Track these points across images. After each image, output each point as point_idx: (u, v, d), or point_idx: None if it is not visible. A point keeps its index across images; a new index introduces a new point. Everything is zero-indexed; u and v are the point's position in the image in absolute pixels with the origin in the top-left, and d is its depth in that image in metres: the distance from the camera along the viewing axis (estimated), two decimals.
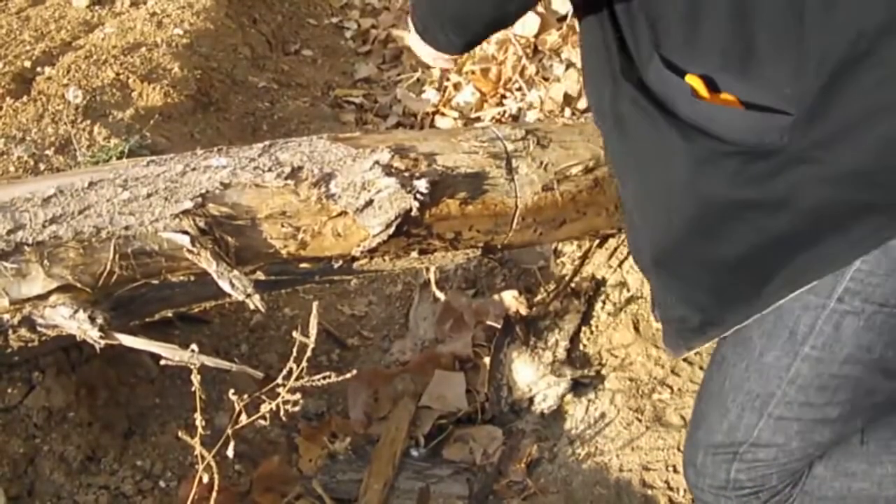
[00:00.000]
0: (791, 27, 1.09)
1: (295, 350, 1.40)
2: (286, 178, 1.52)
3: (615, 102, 1.32)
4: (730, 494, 1.37)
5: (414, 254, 1.67)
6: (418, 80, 3.60)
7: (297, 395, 1.42)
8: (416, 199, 1.53)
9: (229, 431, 1.42)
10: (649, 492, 1.75)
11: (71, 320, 1.45)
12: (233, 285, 1.45)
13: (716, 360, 1.40)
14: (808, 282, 1.20)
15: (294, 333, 1.40)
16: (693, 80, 1.19)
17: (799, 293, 1.22)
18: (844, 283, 1.20)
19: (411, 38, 1.55)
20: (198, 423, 1.41)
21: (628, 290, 2.15)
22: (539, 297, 2.23)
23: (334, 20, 4.20)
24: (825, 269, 1.19)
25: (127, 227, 1.44)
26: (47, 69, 2.74)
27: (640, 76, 1.27)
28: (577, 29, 1.39)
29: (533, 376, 2.02)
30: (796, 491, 1.36)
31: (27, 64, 2.78)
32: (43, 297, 1.43)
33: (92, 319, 1.45)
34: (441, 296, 2.29)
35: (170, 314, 1.79)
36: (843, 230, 1.14)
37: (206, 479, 1.44)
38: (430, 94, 3.47)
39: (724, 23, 1.14)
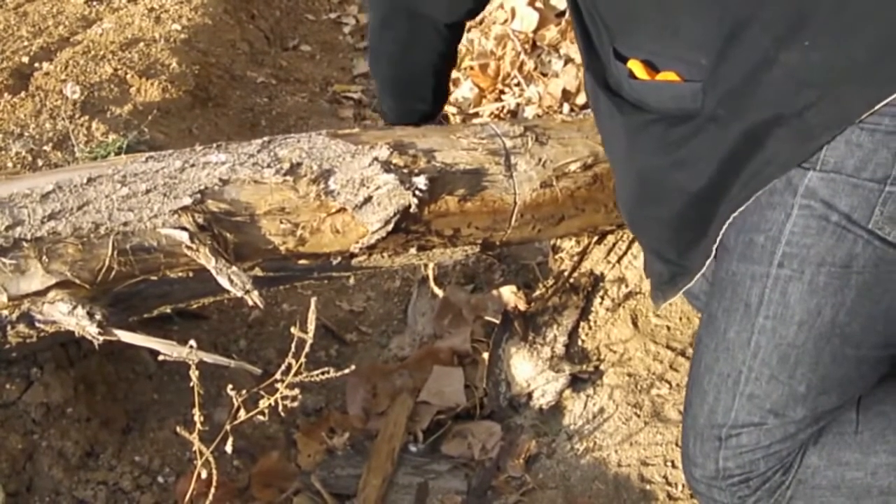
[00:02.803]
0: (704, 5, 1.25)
1: (293, 346, 1.40)
2: (285, 175, 1.52)
3: (592, 90, 1.51)
4: (721, 484, 1.38)
5: (412, 250, 1.67)
6: None
7: (296, 391, 1.42)
8: (414, 195, 1.53)
9: (228, 427, 1.42)
10: (648, 487, 1.76)
11: (69, 316, 1.45)
12: (231, 281, 1.45)
13: (695, 343, 1.43)
14: (744, 199, 1.28)
15: (292, 329, 1.40)
16: (633, 65, 1.36)
17: (746, 265, 1.29)
18: (781, 248, 1.25)
19: None
20: (196, 418, 1.41)
21: (627, 286, 2.15)
22: (538, 293, 2.23)
23: (333, 15, 4.19)
24: (759, 182, 1.26)
25: (126, 224, 1.44)
26: (45, 65, 2.74)
27: (602, 70, 1.47)
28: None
29: (531, 372, 2.03)
30: (788, 478, 1.37)
31: (25, 59, 2.78)
32: (41, 293, 1.43)
33: (90, 315, 1.45)
34: (439, 291, 2.29)
35: (168, 310, 1.79)
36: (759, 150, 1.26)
37: (204, 474, 1.44)
38: None
39: (652, 12, 1.32)
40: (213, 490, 1.46)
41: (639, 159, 1.40)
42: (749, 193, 1.27)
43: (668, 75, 1.32)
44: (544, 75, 3.15)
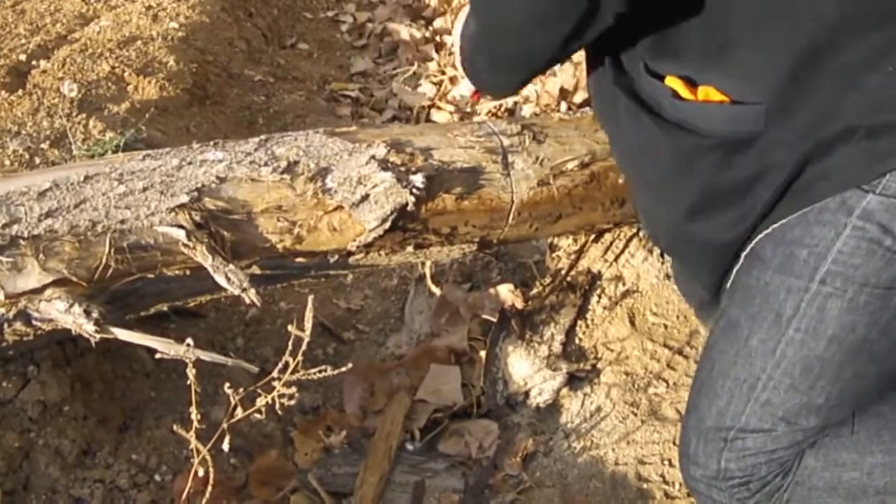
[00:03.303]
0: (762, 18, 1.18)
1: (290, 344, 1.40)
2: (282, 173, 1.52)
3: (614, 107, 1.42)
4: (721, 485, 1.38)
5: (410, 248, 1.67)
6: (414, 73, 3.60)
7: (293, 389, 1.42)
8: (411, 193, 1.53)
9: (225, 425, 1.42)
10: (645, 485, 1.76)
11: (66, 314, 1.45)
12: (228, 280, 1.45)
13: (707, 346, 1.43)
14: (789, 213, 1.27)
15: (289, 327, 1.40)
16: (674, 83, 1.29)
17: (783, 277, 1.28)
18: (826, 266, 1.24)
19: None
20: (193, 416, 1.41)
21: (624, 284, 2.16)
22: (535, 291, 2.23)
23: (330, 14, 4.19)
24: (811, 198, 1.25)
25: (123, 221, 1.44)
26: (42, 62, 2.73)
27: (631, 84, 1.38)
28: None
29: (528, 370, 2.03)
30: (787, 482, 1.37)
31: (22, 57, 2.78)
32: (38, 290, 1.43)
33: (87, 313, 1.45)
34: (437, 290, 2.29)
35: (165, 308, 1.79)
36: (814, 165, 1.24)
37: (201, 472, 1.44)
38: (427, 88, 3.47)
39: (701, 32, 1.22)
40: (210, 488, 1.46)
41: (693, 183, 1.34)
42: (797, 208, 1.26)
43: (709, 92, 1.27)
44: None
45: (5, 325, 1.52)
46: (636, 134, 1.39)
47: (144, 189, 1.47)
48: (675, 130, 1.30)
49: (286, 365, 1.42)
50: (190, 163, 1.53)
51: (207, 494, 1.47)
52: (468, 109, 3.21)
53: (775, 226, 1.29)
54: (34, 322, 1.52)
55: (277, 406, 1.43)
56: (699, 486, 1.42)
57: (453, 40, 1.67)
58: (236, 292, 1.46)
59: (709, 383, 1.39)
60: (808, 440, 1.36)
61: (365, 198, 1.53)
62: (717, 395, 1.37)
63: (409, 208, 1.54)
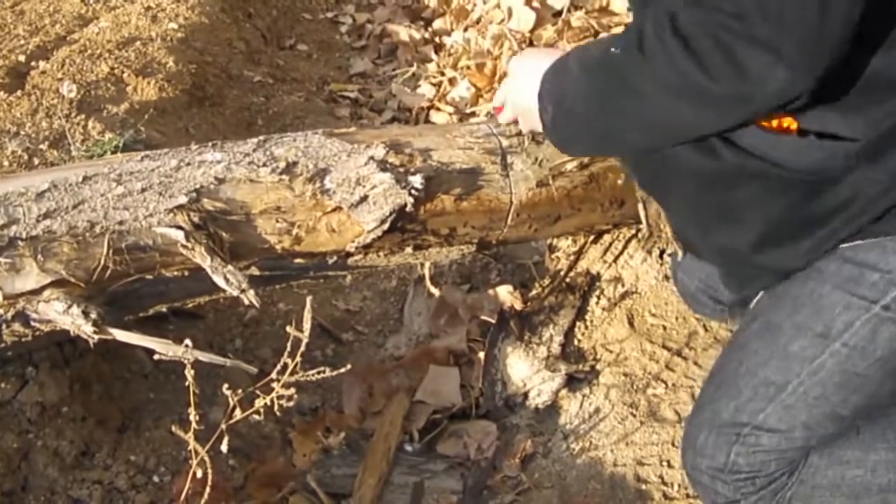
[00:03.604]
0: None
1: (289, 345, 1.40)
2: (281, 174, 1.52)
3: None
4: (726, 478, 1.38)
5: (408, 249, 1.67)
6: (413, 75, 3.60)
7: (292, 390, 1.42)
8: (410, 194, 1.53)
9: (223, 426, 1.42)
10: (643, 486, 1.76)
11: (65, 315, 1.45)
12: (227, 280, 1.45)
13: (735, 345, 1.43)
14: (867, 237, 1.27)
15: (288, 328, 1.40)
16: None
17: (843, 294, 1.28)
18: (893, 294, 1.26)
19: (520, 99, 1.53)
20: (192, 417, 1.41)
21: (623, 286, 2.15)
22: (534, 292, 2.23)
23: (329, 15, 4.19)
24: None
25: (121, 222, 1.44)
26: (41, 63, 2.74)
27: None
28: None
29: (527, 371, 2.02)
30: (792, 480, 1.37)
31: (21, 58, 2.78)
32: (37, 291, 1.43)
33: (86, 314, 1.45)
34: (435, 291, 2.29)
35: (164, 309, 1.79)
36: None
37: (199, 473, 1.44)
38: (426, 89, 3.47)
39: None
40: (208, 489, 1.46)
41: (770, 214, 1.30)
42: (876, 234, 1.27)
43: (789, 122, 1.22)
44: None
45: (4, 326, 1.52)
46: (700, 163, 1.30)
47: (143, 190, 1.47)
48: (756, 162, 1.25)
49: (285, 366, 1.41)
50: (188, 164, 1.53)
51: (206, 495, 1.47)
52: (467, 111, 3.22)
53: (845, 245, 1.29)
54: (32, 323, 1.51)
55: (276, 407, 1.43)
56: (703, 477, 1.42)
57: (511, 68, 1.56)
58: (235, 293, 1.46)
59: (732, 380, 1.39)
60: (820, 444, 1.37)
61: (364, 199, 1.53)
62: (739, 391, 1.37)
63: (407, 209, 1.54)
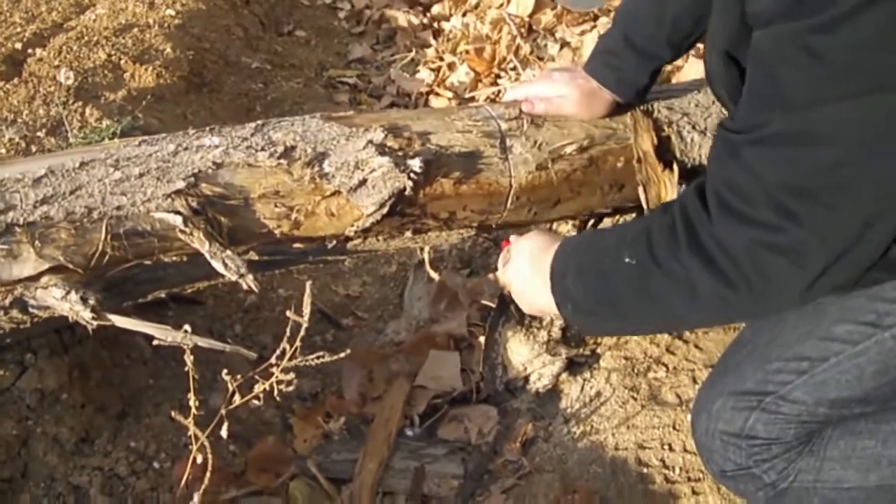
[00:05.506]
0: None
1: (289, 330, 1.40)
2: (279, 158, 1.51)
3: None
4: (741, 443, 1.37)
5: (408, 233, 1.67)
6: (412, 60, 3.59)
7: (292, 376, 1.42)
8: (409, 178, 1.52)
9: (223, 412, 1.42)
10: (645, 470, 1.76)
11: (63, 301, 1.44)
12: (226, 266, 1.44)
13: (771, 319, 1.40)
14: None
15: (288, 313, 1.39)
16: None
17: None
18: None
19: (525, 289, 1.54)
20: (191, 403, 1.40)
21: None
22: None
23: (328, 0, 4.18)
24: None
25: (119, 208, 1.43)
26: (38, 51, 2.73)
27: None
28: None
29: (528, 355, 2.02)
30: (805, 450, 1.37)
31: (18, 46, 2.77)
32: (34, 278, 1.42)
33: (84, 300, 1.44)
34: (435, 276, 2.29)
35: (163, 295, 1.78)
36: None
37: (200, 459, 1.44)
38: (425, 75, 3.46)
39: None
40: (208, 475, 1.46)
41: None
42: None
43: None
44: (540, 59, 3.14)
45: (2, 313, 1.52)
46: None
47: (140, 175, 1.46)
48: None
49: (284, 351, 1.41)
50: (186, 148, 1.52)
51: (206, 481, 1.47)
52: (466, 95, 3.21)
53: None
54: (31, 309, 1.51)
55: (276, 393, 1.43)
56: (715, 443, 1.40)
57: (517, 255, 1.55)
58: (234, 278, 1.46)
59: (763, 350, 1.38)
60: (839, 422, 1.37)
61: (363, 182, 1.52)
62: (768, 361, 1.36)
63: (406, 193, 1.53)
